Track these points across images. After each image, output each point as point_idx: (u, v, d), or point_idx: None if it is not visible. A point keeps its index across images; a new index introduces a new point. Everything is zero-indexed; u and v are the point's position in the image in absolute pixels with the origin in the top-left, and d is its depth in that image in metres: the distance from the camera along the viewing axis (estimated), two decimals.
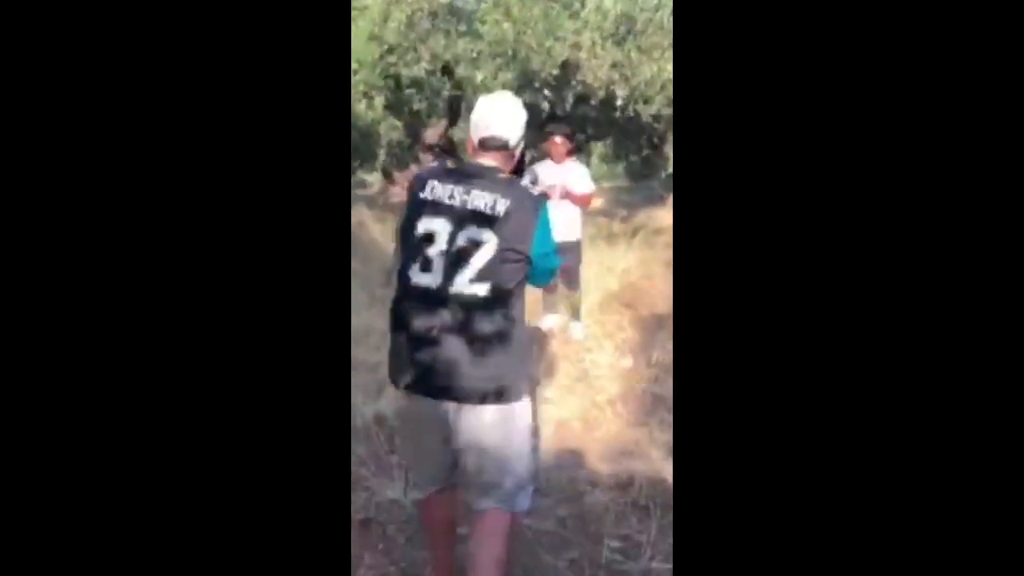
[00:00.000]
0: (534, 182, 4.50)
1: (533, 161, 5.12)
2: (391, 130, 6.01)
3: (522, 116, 1.89)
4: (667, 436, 3.24)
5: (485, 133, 1.84)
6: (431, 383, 1.80)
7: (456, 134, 8.90)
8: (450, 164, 2.09)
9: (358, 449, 2.98)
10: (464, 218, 1.77)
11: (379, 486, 2.80)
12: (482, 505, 1.90)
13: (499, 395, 1.79)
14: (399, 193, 9.90)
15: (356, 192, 13.29)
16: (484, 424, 1.80)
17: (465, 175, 1.84)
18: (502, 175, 1.85)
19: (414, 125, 7.28)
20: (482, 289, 1.75)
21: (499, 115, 1.86)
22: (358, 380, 2.98)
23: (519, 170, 1.95)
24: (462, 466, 1.89)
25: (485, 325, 1.77)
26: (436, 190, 1.82)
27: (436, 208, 1.80)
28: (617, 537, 2.48)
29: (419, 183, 1.87)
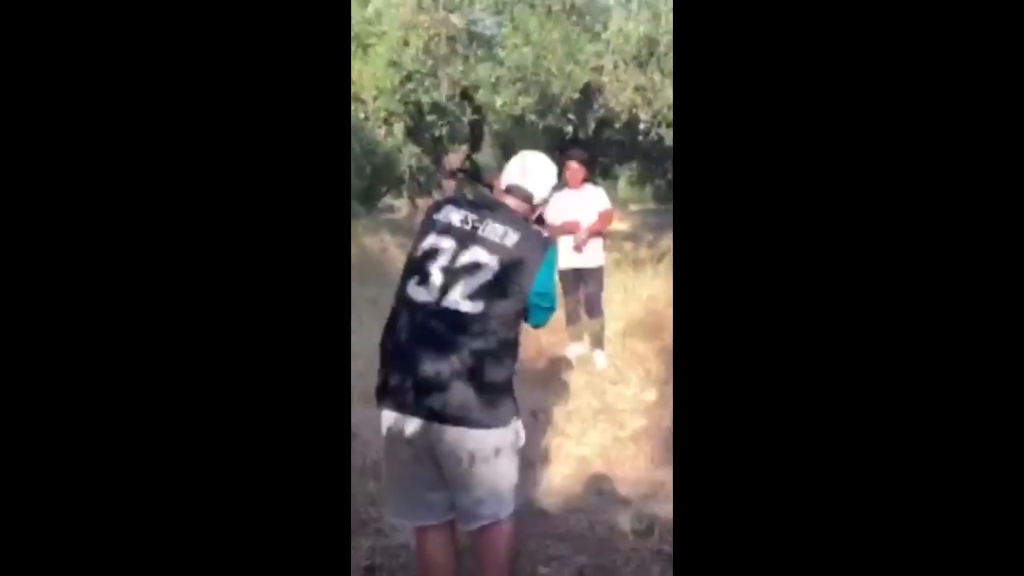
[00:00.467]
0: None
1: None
2: (411, 157, 5.96)
3: (551, 179, 2.00)
4: None
5: (512, 181, 1.97)
6: (417, 401, 1.78)
7: (479, 159, 8.90)
8: (470, 196, 2.25)
9: (368, 487, 2.86)
10: (471, 241, 1.82)
11: (389, 529, 2.67)
12: (475, 523, 1.88)
13: (493, 419, 1.80)
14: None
15: (382, 217, 13.36)
16: (471, 449, 1.79)
17: (483, 206, 1.92)
18: (517, 215, 1.92)
19: (436, 151, 7.25)
20: (475, 308, 1.76)
21: (530, 170, 1.97)
22: (367, 414, 2.86)
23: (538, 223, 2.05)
24: (451, 493, 1.86)
25: (476, 345, 1.77)
26: (451, 214, 1.88)
27: (446, 229, 1.85)
28: None
29: (436, 206, 1.95)
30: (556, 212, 4.73)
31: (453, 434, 1.78)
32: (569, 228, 4.68)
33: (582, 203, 4.75)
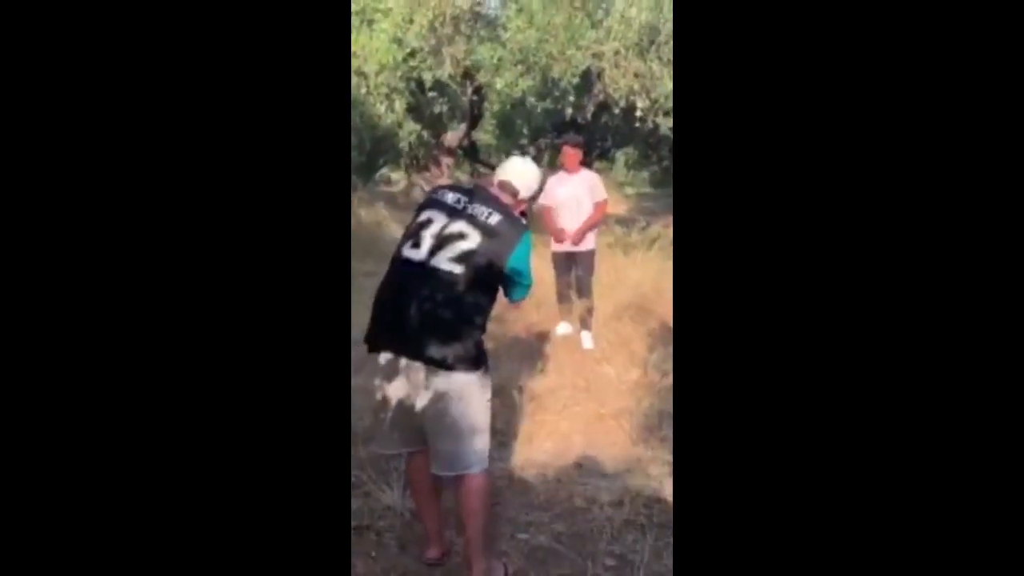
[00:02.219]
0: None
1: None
2: (410, 133, 6.03)
3: (535, 182, 2.44)
4: (669, 454, 3.21)
5: (503, 178, 2.41)
6: (400, 342, 2.12)
7: (477, 138, 8.96)
8: (468, 184, 2.52)
9: (358, 453, 2.99)
10: (460, 216, 2.18)
11: (376, 492, 2.80)
12: (447, 470, 2.20)
13: (460, 362, 2.10)
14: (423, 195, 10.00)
15: (378, 189, 13.38)
16: (446, 388, 2.11)
17: (475, 193, 2.28)
18: (503, 204, 2.28)
19: (436, 128, 7.31)
20: (457, 268, 2.10)
21: (519, 171, 2.43)
22: (358, 383, 2.98)
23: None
24: (427, 430, 2.17)
25: (452, 303, 2.10)
26: (447, 195, 2.27)
27: (440, 206, 2.23)
28: (611, 555, 2.46)
29: (436, 190, 2.37)
30: (553, 195, 4.84)
31: (428, 374, 2.10)
32: (559, 237, 4.85)
33: (578, 188, 4.86)
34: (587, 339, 4.96)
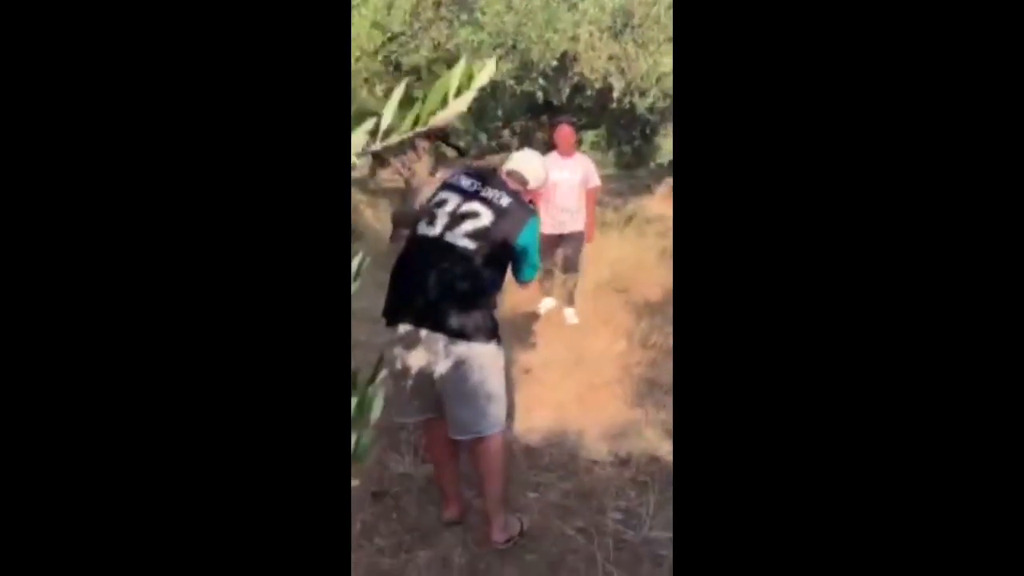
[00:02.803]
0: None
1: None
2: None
3: (544, 172, 2.61)
4: (663, 416, 3.40)
5: (514, 167, 2.56)
6: (419, 314, 2.22)
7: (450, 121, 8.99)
8: (483, 170, 2.66)
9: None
10: (473, 198, 2.32)
11: (390, 460, 2.93)
12: (465, 434, 2.32)
13: (478, 332, 2.22)
14: (390, 178, 9.98)
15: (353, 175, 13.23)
16: (465, 357, 2.22)
17: (487, 178, 2.43)
18: (512, 190, 2.42)
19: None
20: (472, 244, 2.23)
21: (529, 162, 2.58)
22: (359, 358, 3.10)
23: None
24: (445, 398, 2.28)
25: (468, 277, 2.22)
26: (462, 180, 2.41)
27: (454, 188, 2.37)
28: (618, 509, 2.64)
29: (453, 174, 2.49)
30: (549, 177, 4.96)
31: (447, 344, 2.21)
32: (550, 243, 4.73)
33: (573, 172, 4.84)
34: (571, 315, 5.09)
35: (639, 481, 2.82)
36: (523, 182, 2.53)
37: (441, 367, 2.24)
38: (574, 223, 4.92)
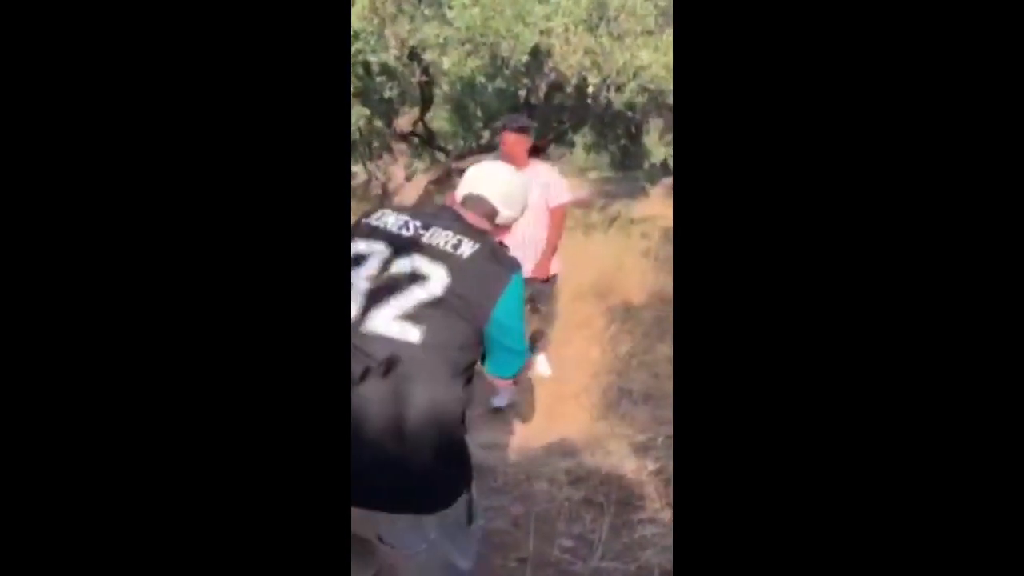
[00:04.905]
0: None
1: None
2: (359, 117, 5.88)
3: (522, 195, 1.57)
4: (628, 430, 3.17)
5: (474, 190, 1.53)
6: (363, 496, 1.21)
7: (433, 124, 8.78)
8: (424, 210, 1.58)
9: None
10: (410, 247, 1.37)
11: None
12: None
13: (430, 501, 1.29)
14: (378, 186, 9.79)
15: None
16: (417, 534, 1.30)
17: (431, 215, 1.46)
18: (477, 228, 1.46)
19: (388, 114, 7.16)
20: (412, 335, 1.27)
21: (494, 180, 1.54)
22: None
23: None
24: None
25: (415, 391, 1.26)
26: (387, 218, 1.44)
27: (377, 232, 1.41)
28: (569, 536, 2.41)
29: (368, 213, 1.48)
30: None
31: (394, 521, 1.30)
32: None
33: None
34: (543, 363, 3.94)
35: (595, 503, 2.59)
36: (489, 213, 1.53)
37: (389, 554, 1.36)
38: (540, 265, 3.48)
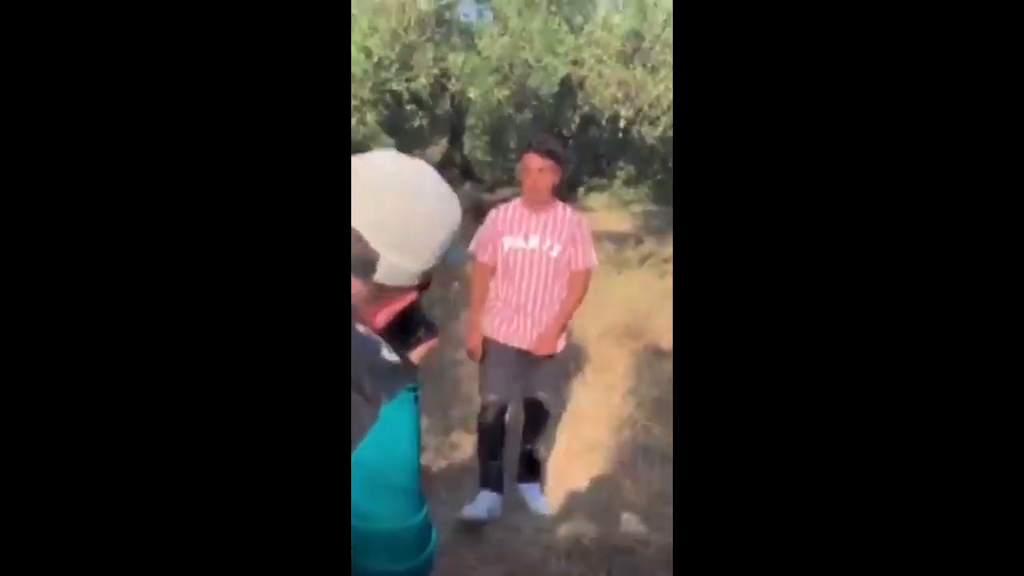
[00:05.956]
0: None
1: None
2: (387, 147, 5.78)
3: (427, 215, 0.90)
4: (641, 497, 2.88)
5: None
6: None
7: (469, 154, 8.64)
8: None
9: None
10: None
11: None
12: None
13: None
14: None
15: None
16: None
17: None
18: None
19: (419, 143, 7.04)
20: None
21: (364, 189, 0.89)
22: None
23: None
24: None
25: None
26: None
27: None
28: None
29: None
30: (498, 247, 2.69)
31: None
32: (498, 330, 2.71)
33: (544, 235, 2.65)
34: (536, 496, 2.90)
35: None
36: (365, 265, 0.90)
37: None
38: (544, 337, 2.70)
